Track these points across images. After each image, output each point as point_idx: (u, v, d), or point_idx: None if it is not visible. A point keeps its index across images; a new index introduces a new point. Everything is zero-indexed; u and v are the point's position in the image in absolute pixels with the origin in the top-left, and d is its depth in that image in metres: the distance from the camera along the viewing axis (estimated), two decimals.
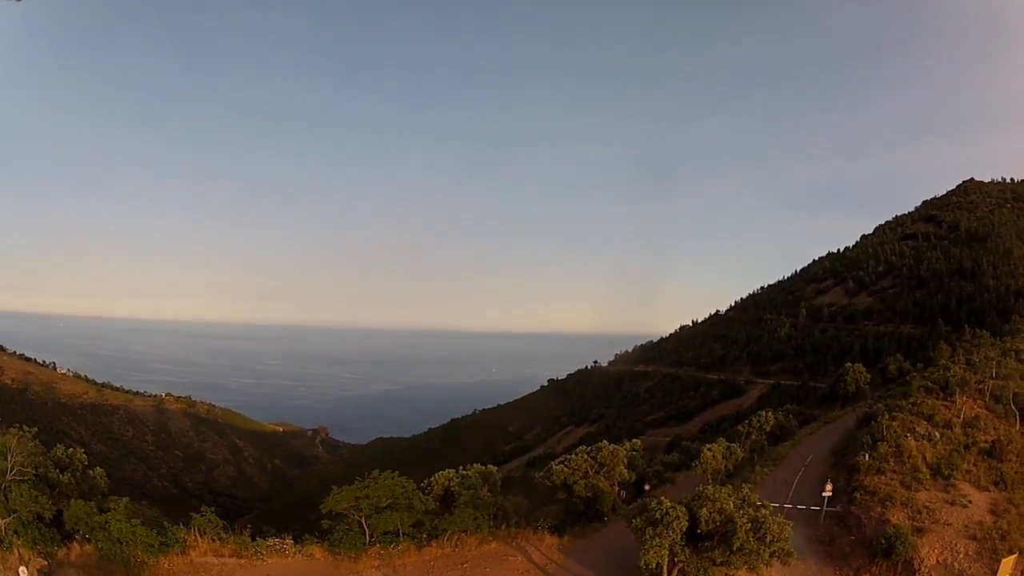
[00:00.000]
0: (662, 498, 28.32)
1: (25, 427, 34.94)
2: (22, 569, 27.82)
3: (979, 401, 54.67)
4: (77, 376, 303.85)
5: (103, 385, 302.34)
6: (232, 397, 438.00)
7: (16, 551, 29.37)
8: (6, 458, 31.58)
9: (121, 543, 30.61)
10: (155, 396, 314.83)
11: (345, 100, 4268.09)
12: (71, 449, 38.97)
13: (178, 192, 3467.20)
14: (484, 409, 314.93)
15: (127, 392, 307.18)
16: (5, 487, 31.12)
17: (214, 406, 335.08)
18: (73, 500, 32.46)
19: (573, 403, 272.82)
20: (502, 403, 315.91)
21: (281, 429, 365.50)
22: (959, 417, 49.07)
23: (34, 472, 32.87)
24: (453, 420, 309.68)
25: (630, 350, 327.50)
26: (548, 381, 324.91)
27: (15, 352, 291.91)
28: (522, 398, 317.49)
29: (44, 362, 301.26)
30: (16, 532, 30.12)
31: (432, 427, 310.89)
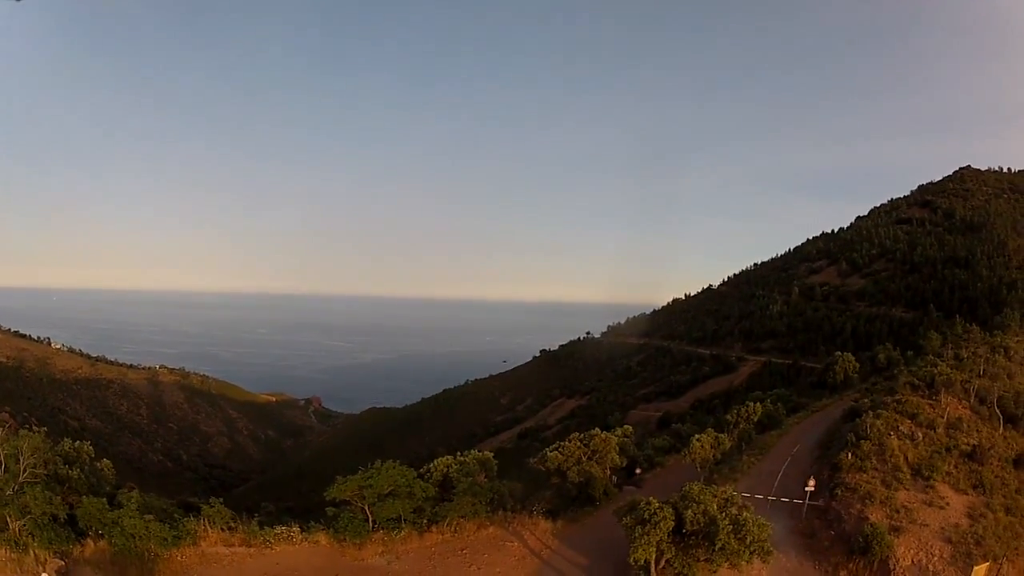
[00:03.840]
0: (651, 498, 29.67)
1: (35, 427, 35.84)
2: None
3: (964, 401, 55.28)
4: (71, 351, 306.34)
5: (97, 359, 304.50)
6: (225, 368, 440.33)
7: (32, 552, 29.91)
8: (18, 461, 32.18)
9: (135, 538, 31.34)
10: (149, 369, 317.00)
11: (345, 77, 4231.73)
12: (78, 443, 39.75)
13: (167, 162, 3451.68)
14: (476, 380, 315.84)
15: (121, 365, 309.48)
16: (18, 489, 31.62)
17: (207, 377, 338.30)
18: (85, 497, 32.99)
19: (565, 375, 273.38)
20: (494, 374, 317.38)
21: (275, 399, 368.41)
22: (943, 417, 49.86)
23: (45, 472, 33.48)
24: (445, 391, 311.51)
25: (623, 322, 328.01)
26: (540, 352, 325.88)
27: (9, 329, 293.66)
28: (514, 369, 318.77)
29: (38, 338, 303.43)
30: (31, 534, 30.55)
31: (424, 397, 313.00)
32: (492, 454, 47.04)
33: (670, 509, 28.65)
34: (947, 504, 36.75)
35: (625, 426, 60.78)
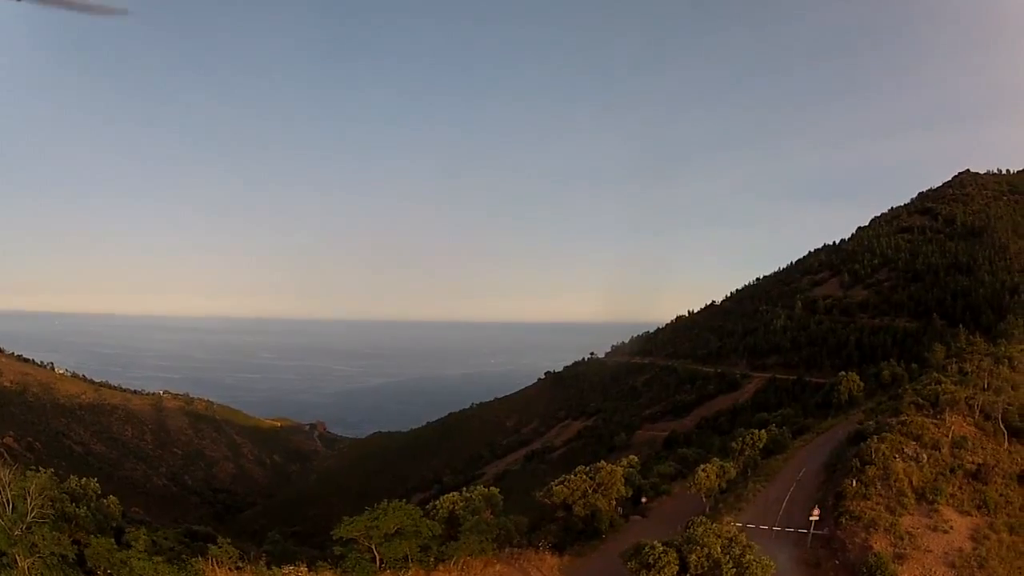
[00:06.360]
0: (655, 542, 29.93)
1: (42, 468, 35.93)
2: None
3: (969, 418, 55.24)
4: (75, 376, 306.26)
5: (101, 384, 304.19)
6: (230, 393, 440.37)
7: None
8: (26, 501, 31.83)
9: None
10: (153, 394, 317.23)
11: (344, 94, 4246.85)
12: (84, 479, 39.83)
13: (172, 188, 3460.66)
14: (481, 403, 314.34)
15: (125, 391, 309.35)
16: (26, 528, 31.22)
17: (212, 403, 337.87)
18: (93, 538, 32.86)
19: (571, 396, 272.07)
20: (499, 396, 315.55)
21: (279, 424, 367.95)
22: (948, 437, 49.83)
23: (52, 512, 33.13)
24: (451, 414, 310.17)
25: (627, 341, 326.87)
26: (545, 374, 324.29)
27: (13, 353, 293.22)
28: (519, 392, 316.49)
29: (42, 363, 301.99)
30: (41, 574, 30.36)
31: (430, 421, 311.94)
32: (498, 490, 47.03)
33: (674, 552, 28.92)
34: (951, 528, 36.88)
35: (631, 456, 60.81)
